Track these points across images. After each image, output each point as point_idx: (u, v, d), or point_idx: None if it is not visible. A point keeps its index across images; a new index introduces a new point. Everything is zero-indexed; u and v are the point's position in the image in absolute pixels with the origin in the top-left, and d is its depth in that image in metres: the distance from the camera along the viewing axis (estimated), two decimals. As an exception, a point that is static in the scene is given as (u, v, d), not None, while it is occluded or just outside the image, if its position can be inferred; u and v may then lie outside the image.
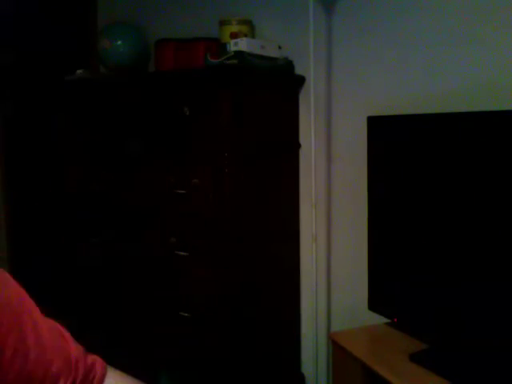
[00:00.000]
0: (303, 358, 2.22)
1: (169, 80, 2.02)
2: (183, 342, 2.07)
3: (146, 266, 2.17)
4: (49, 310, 0.72)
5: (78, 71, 2.40)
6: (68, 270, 2.50)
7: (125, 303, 2.28)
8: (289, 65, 2.06)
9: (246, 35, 2.03)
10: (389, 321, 1.63)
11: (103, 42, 2.31)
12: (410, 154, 1.49)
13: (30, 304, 0.66)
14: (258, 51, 1.94)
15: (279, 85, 2.07)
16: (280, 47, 2.05)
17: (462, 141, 1.34)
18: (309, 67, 1.93)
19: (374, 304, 1.64)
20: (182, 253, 2.01)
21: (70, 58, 2.62)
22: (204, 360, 2.01)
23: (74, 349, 0.69)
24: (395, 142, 1.54)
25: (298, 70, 2.06)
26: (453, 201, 1.37)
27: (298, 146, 2.11)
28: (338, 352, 1.58)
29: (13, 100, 2.66)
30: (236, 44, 1.91)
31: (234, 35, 2.00)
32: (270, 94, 2.02)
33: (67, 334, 0.71)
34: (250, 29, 2.11)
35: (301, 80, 2.05)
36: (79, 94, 2.36)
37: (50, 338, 0.66)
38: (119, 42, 2.31)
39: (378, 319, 1.66)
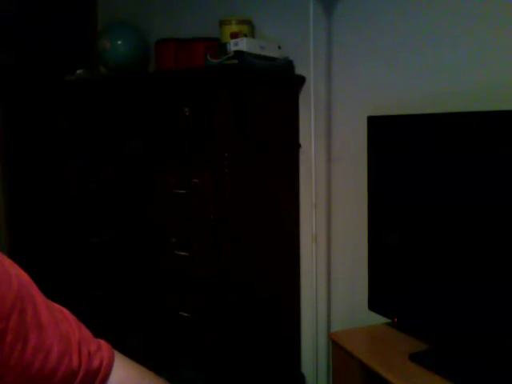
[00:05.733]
0: (303, 357, 2.22)
1: (169, 80, 2.02)
2: (183, 341, 2.07)
3: (145, 265, 2.17)
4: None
5: (78, 71, 2.40)
6: (67, 270, 2.50)
7: (124, 303, 2.28)
8: (289, 65, 2.06)
9: (246, 35, 2.03)
10: (389, 321, 1.63)
11: (103, 42, 2.31)
12: (410, 154, 1.49)
13: (31, 286, 0.64)
14: (257, 51, 1.94)
15: (279, 85, 2.07)
16: (280, 47, 2.05)
17: (462, 141, 1.35)
18: (309, 67, 1.93)
19: (374, 304, 1.64)
20: (182, 253, 2.01)
21: (70, 58, 2.62)
22: (204, 360, 2.01)
23: (78, 333, 0.67)
24: (395, 142, 1.54)
25: (298, 70, 2.06)
26: (453, 200, 1.37)
27: (298, 146, 2.11)
28: (338, 352, 1.58)
29: (13, 100, 2.66)
30: (236, 44, 1.91)
31: (234, 35, 2.00)
32: (270, 94, 2.02)
33: (72, 318, 0.69)
34: (250, 29, 2.11)
35: (301, 80, 2.05)
36: (79, 94, 2.36)
37: (51, 322, 0.64)
38: (119, 42, 2.31)
39: (378, 319, 1.66)
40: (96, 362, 0.67)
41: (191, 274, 2.01)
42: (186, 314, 2.03)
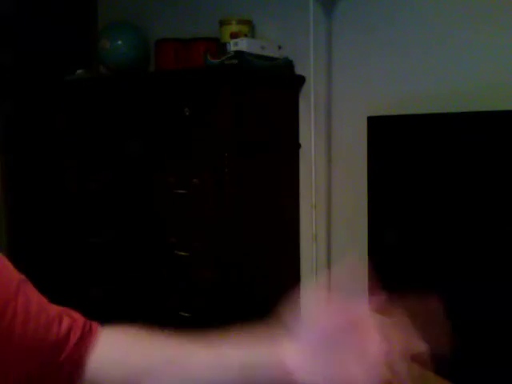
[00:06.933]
0: (303, 358, 2.21)
1: (169, 80, 2.02)
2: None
3: (145, 265, 2.17)
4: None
5: (78, 71, 2.40)
6: (67, 271, 2.49)
7: (124, 303, 2.28)
8: (289, 65, 2.06)
9: (246, 35, 2.03)
10: (389, 321, 1.63)
11: (103, 42, 2.31)
12: (410, 154, 1.49)
13: (20, 276, 0.67)
14: (257, 51, 1.94)
15: (279, 85, 2.06)
16: (280, 47, 2.05)
17: (462, 141, 1.35)
18: (309, 67, 1.93)
19: (374, 304, 1.64)
20: (181, 253, 2.01)
21: (70, 58, 2.62)
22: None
23: (68, 309, 0.71)
24: (395, 142, 1.54)
25: (298, 70, 2.06)
26: (453, 200, 1.37)
27: (298, 146, 2.11)
28: (338, 352, 1.57)
29: (13, 100, 2.66)
30: (236, 44, 1.91)
31: (233, 35, 2.00)
32: (270, 94, 2.02)
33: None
34: (250, 29, 2.11)
35: (301, 80, 2.05)
36: (79, 94, 2.36)
37: (43, 301, 0.67)
38: (119, 42, 2.30)
39: (378, 319, 1.65)
40: (87, 325, 0.70)
41: (191, 274, 2.01)
42: (186, 314, 2.03)
